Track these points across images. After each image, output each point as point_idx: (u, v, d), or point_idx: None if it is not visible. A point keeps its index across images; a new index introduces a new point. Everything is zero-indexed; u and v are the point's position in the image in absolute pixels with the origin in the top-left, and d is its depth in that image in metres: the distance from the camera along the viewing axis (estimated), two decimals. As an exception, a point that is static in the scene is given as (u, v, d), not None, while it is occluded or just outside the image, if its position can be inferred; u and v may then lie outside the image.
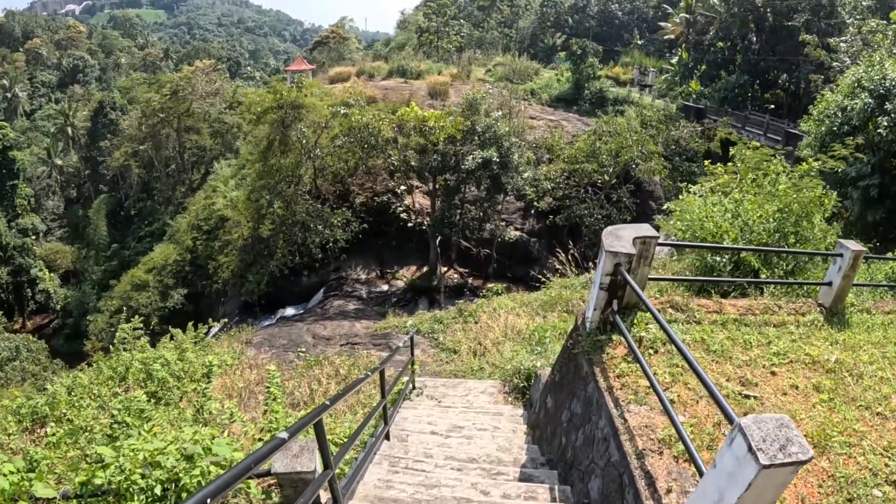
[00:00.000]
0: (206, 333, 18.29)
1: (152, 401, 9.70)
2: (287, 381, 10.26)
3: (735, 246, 6.41)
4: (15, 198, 55.74)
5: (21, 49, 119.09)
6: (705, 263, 6.88)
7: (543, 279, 17.47)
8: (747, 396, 4.23)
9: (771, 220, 6.92)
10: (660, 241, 4.99)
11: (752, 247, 6.43)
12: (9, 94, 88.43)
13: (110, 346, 12.83)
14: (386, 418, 6.90)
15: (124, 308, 23.08)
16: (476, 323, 15.13)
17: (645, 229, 5.03)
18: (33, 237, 56.38)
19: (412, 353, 10.29)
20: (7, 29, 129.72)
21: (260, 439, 5.36)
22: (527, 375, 9.71)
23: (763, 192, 7.76)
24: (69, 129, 72.65)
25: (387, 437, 6.97)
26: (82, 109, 76.41)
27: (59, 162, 69.97)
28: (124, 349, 12.65)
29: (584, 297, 14.39)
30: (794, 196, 7.17)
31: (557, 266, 17.88)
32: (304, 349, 12.71)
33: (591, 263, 17.14)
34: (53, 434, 8.30)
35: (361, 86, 41.01)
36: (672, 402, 4.20)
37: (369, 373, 5.73)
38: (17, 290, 52.69)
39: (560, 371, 6.40)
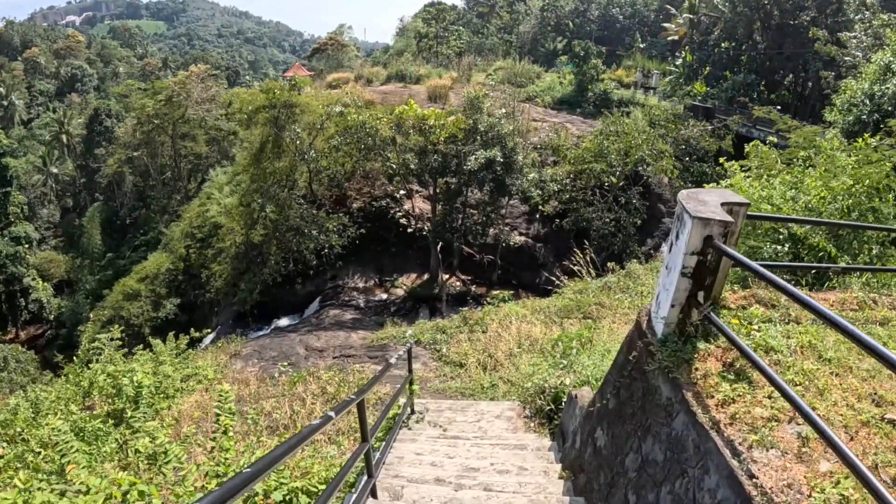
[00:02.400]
0: (194, 344, 17.15)
1: (110, 421, 8.56)
2: (267, 400, 9.04)
3: (852, 223, 5.18)
4: (7, 205, 54.74)
5: (19, 58, 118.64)
6: (759, 254, 5.69)
7: (557, 283, 16.18)
8: (892, 422, 3.02)
9: (841, 197, 5.72)
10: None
11: (872, 224, 5.19)
12: (5, 103, 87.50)
13: (74, 358, 11.73)
14: (370, 468, 5.17)
15: (91, 319, 21.97)
16: (484, 332, 13.70)
17: (729, 194, 3.75)
18: (26, 246, 55.31)
19: (410, 370, 8.79)
20: (6, 38, 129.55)
21: (203, 487, 4.15)
22: (553, 396, 8.08)
23: (819, 170, 6.59)
24: (64, 137, 71.72)
25: (372, 493, 5.32)
26: (78, 117, 75.53)
27: (55, 170, 68.96)
28: (95, 360, 11.57)
29: (602, 302, 13.08)
30: (865, 171, 5.96)
31: (575, 268, 16.58)
32: (286, 364, 11.49)
33: (611, 265, 15.86)
34: (1, 457, 7.22)
35: (360, 90, 39.96)
36: (806, 438, 2.93)
37: (331, 413, 3.88)
38: (10, 300, 51.62)
39: (616, 395, 4.86)
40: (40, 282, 54.21)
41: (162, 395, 10.54)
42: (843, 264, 5.21)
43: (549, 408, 8.09)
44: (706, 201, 3.64)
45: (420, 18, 71.64)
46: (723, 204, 3.61)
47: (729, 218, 3.49)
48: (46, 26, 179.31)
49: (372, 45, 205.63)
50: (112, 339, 12.03)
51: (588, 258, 16.59)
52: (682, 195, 3.77)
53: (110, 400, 9.65)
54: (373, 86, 47.10)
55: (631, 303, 12.59)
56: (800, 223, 5.26)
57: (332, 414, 3.84)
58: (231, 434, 4.69)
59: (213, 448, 4.59)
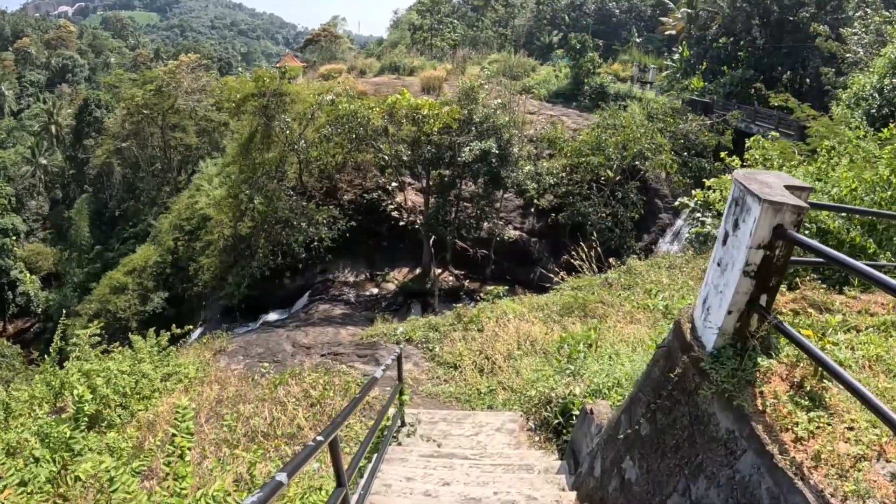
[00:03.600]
0: (179, 340, 16.50)
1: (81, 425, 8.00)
2: (245, 405, 8.42)
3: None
4: (-7, 197, 53.87)
5: (10, 48, 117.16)
6: None
7: (556, 279, 15.55)
8: None
9: (880, 188, 5.16)
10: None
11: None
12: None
13: (45, 356, 11.16)
14: (347, 513, 4.33)
15: (65, 313, 21.42)
16: (480, 331, 12.95)
17: (788, 177, 3.08)
18: (14, 238, 54.43)
19: (400, 378, 7.99)
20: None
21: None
22: (562, 407, 7.24)
23: (844, 161, 6.05)
24: (53, 128, 70.73)
25: (351, 540, 4.48)
26: (68, 108, 74.51)
27: (44, 161, 67.92)
28: (69, 358, 11.03)
29: (603, 299, 12.37)
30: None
31: (576, 263, 15.95)
32: (266, 364, 10.88)
33: (611, 261, 15.26)
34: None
35: (353, 81, 39.28)
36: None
37: (281, 477, 2.95)
38: (-2, 292, 50.87)
39: (651, 419, 3.99)
40: (28, 275, 53.46)
41: (137, 396, 9.98)
42: (884, 262, 4.67)
43: (556, 421, 7.29)
44: (770, 183, 2.95)
45: (414, 10, 70.82)
46: (786, 187, 2.93)
47: (802, 203, 2.79)
48: (38, 16, 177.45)
49: (366, 39, 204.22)
50: (91, 336, 11.47)
51: (592, 253, 15.93)
52: (738, 175, 3.11)
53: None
54: (366, 77, 46.59)
55: (636, 301, 11.92)
56: (869, 215, 4.68)
57: (282, 479, 2.96)
58: (188, 459, 4.06)
59: (167, 475, 3.94)
